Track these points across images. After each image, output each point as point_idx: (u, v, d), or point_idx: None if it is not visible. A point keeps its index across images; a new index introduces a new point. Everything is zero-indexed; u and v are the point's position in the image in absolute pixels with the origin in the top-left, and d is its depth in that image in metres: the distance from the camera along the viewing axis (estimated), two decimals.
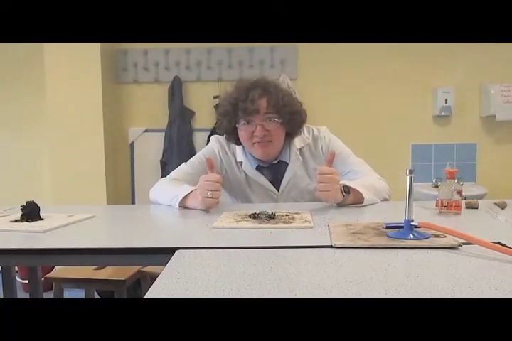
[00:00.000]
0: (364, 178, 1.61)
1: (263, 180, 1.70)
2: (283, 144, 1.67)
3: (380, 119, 3.43)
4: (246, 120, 1.57)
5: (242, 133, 1.61)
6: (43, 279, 1.96)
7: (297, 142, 1.70)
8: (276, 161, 1.69)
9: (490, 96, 3.32)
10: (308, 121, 1.73)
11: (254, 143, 1.61)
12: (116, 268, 2.03)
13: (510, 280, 0.75)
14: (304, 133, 1.72)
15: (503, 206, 1.38)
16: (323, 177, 1.41)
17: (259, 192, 1.72)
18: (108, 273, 1.98)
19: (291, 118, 1.60)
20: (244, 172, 1.71)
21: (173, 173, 1.73)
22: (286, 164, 1.69)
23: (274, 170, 1.71)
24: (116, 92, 3.48)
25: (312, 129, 1.75)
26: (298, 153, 1.69)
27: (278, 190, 1.71)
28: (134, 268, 2.00)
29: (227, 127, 1.64)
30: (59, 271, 2.07)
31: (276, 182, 1.71)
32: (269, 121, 1.57)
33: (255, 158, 1.68)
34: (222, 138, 1.75)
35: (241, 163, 1.71)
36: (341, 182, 1.48)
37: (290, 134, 1.67)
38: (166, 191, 1.61)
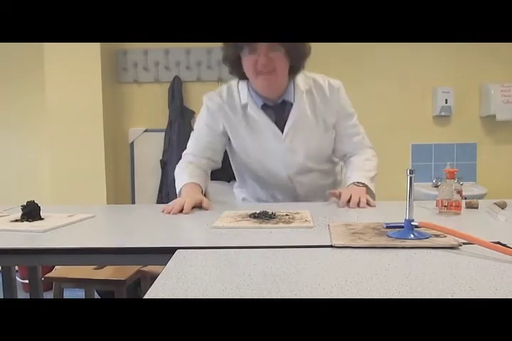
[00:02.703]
0: (369, 164, 1.74)
1: (267, 122, 1.68)
2: (287, 82, 1.67)
3: (380, 119, 3.43)
4: (250, 49, 1.55)
5: (246, 63, 1.60)
6: (42, 279, 1.96)
7: (301, 83, 1.69)
8: (280, 100, 1.68)
9: (490, 96, 3.32)
10: None
11: (258, 76, 1.59)
12: (116, 268, 2.03)
13: (510, 280, 0.75)
14: (317, 80, 1.73)
15: (503, 206, 1.38)
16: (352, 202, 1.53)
17: (262, 138, 1.69)
18: (108, 273, 1.98)
19: (295, 46, 1.59)
20: (249, 115, 1.69)
21: (188, 151, 1.77)
22: (292, 105, 1.68)
23: (279, 111, 1.69)
24: (116, 92, 3.48)
25: (328, 79, 1.77)
26: (304, 95, 1.69)
27: (283, 133, 1.69)
28: (134, 268, 2.00)
29: (232, 57, 1.62)
30: (59, 271, 2.07)
31: (280, 123, 1.68)
32: (272, 49, 1.55)
33: (260, 96, 1.67)
34: (225, 88, 1.75)
35: (246, 105, 1.69)
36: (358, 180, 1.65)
37: (293, 68, 1.66)
38: (176, 182, 1.70)
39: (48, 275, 2.02)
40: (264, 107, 1.69)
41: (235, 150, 1.77)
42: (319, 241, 1.03)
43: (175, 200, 1.53)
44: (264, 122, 1.68)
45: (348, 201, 1.52)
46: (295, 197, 1.77)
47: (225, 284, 0.75)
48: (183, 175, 1.69)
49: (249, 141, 1.71)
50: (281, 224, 1.22)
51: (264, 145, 1.70)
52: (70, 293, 2.34)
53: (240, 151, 1.76)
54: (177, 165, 1.77)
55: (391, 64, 3.40)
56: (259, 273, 0.81)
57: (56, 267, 2.45)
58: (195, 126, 1.80)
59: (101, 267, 2.02)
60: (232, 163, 1.86)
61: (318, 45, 3.60)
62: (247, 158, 1.76)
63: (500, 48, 3.33)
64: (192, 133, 1.81)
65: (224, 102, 1.71)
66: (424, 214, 1.36)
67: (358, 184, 1.64)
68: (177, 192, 1.66)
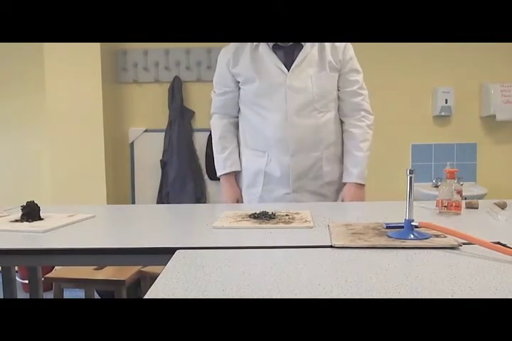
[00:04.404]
0: (365, 147, 1.87)
1: (275, 60, 1.74)
2: None
3: (380, 119, 3.42)
4: None
5: None
6: (42, 279, 1.96)
7: None
8: (291, 42, 1.74)
9: (490, 96, 3.31)
10: None
11: None
12: (116, 268, 2.03)
13: (510, 280, 0.75)
14: None
15: (503, 206, 1.38)
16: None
17: (268, 76, 1.74)
18: (108, 273, 1.98)
19: None
20: (259, 56, 1.75)
21: (215, 114, 1.92)
22: (302, 47, 1.74)
23: (289, 53, 1.75)
24: (116, 92, 3.48)
25: None
26: None
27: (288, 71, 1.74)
28: (134, 268, 2.00)
29: None
30: (59, 271, 2.07)
31: (288, 64, 1.74)
32: None
33: None
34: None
35: (258, 45, 1.76)
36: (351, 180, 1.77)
37: None
38: (215, 157, 1.91)
39: (47, 275, 2.02)
40: (276, 47, 1.75)
41: (241, 99, 1.85)
42: (319, 241, 1.03)
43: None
44: (272, 61, 1.74)
45: None
46: (286, 153, 1.75)
47: (225, 284, 0.75)
48: (219, 159, 1.88)
49: (256, 83, 1.76)
50: (281, 224, 1.22)
51: (269, 83, 1.74)
52: (70, 293, 2.34)
53: (245, 95, 1.82)
54: (212, 129, 1.93)
55: (391, 64, 3.40)
56: (259, 273, 0.81)
57: (56, 267, 2.45)
58: (214, 83, 1.92)
59: (101, 267, 2.02)
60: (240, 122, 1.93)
61: None
62: (250, 100, 1.81)
63: (500, 48, 3.33)
64: (212, 92, 1.93)
65: (235, 50, 1.79)
66: (424, 214, 1.36)
67: (357, 185, 1.78)
68: (217, 173, 1.89)
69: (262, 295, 0.70)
